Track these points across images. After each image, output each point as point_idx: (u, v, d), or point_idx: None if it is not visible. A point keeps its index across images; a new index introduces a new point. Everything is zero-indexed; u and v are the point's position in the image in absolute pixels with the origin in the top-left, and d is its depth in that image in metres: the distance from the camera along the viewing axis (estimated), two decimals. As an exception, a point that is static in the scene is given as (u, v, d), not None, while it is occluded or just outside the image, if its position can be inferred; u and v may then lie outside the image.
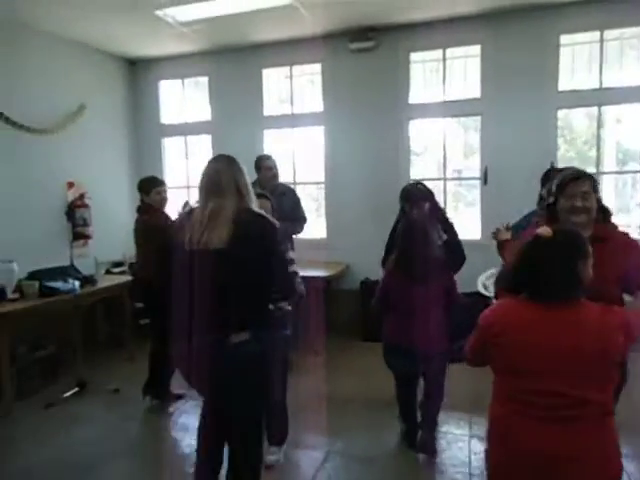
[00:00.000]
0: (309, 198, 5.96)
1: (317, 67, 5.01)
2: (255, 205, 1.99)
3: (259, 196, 2.45)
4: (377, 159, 4.78)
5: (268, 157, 4.01)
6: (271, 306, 2.22)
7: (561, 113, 4.43)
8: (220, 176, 1.92)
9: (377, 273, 3.74)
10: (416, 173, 4.86)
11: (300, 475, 2.63)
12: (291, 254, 2.65)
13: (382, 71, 4.69)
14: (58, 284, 3.67)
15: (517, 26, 4.29)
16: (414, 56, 4.69)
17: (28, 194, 4.27)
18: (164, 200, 3.45)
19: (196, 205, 1.97)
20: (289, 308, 2.71)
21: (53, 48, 4.55)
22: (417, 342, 2.51)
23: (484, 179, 4.51)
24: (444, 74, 4.61)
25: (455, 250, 2.83)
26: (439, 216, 2.94)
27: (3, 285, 3.47)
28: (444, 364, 2.71)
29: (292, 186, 4.61)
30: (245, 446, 2.02)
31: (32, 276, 3.70)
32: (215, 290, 1.84)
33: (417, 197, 2.91)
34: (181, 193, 5.57)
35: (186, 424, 3.19)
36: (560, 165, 4.15)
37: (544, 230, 1.50)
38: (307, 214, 4.18)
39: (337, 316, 4.80)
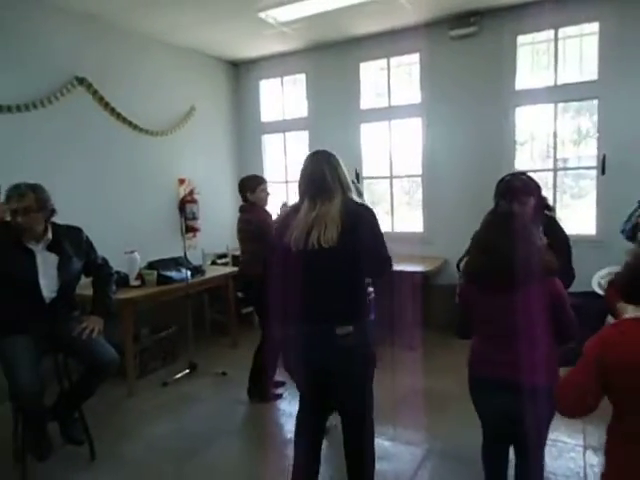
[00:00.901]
0: (401, 191, 5.88)
1: (414, 58, 4.90)
2: (354, 194, 2.02)
3: None
4: (478, 150, 4.57)
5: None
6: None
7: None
8: (324, 175, 1.95)
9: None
10: (520, 164, 4.59)
11: (400, 471, 2.61)
12: None
13: (485, 57, 4.47)
14: (172, 273, 4.00)
15: (645, -3, 3.85)
16: (521, 39, 4.40)
17: (147, 190, 4.71)
18: (267, 197, 3.56)
19: (299, 203, 2.01)
20: (373, 295, 2.75)
21: (167, 55, 4.93)
22: (510, 373, 1.79)
23: (602, 169, 4.13)
24: (555, 56, 4.26)
25: (563, 263, 2.12)
26: (546, 216, 2.47)
27: (127, 273, 3.86)
28: (549, 407, 1.74)
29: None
30: (358, 438, 2.08)
31: (150, 266, 4.06)
32: (321, 286, 1.92)
33: (519, 190, 2.42)
34: (280, 188, 5.79)
35: (288, 411, 3.33)
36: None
37: None
38: (399, 207, 4.17)
39: (434, 312, 4.70)
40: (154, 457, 2.80)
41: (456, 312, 4.52)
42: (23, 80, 3.67)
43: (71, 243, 2.67)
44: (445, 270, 4.76)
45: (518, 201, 2.38)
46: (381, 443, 2.81)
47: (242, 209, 3.56)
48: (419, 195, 5.12)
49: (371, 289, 2.72)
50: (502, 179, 2.57)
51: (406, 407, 3.25)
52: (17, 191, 2.43)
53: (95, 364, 2.57)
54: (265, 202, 3.55)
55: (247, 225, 3.46)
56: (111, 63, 4.34)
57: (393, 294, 4.07)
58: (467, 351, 2.03)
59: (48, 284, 2.57)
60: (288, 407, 3.38)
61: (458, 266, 2.50)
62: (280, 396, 3.54)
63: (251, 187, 3.50)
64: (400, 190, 5.78)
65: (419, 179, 5.06)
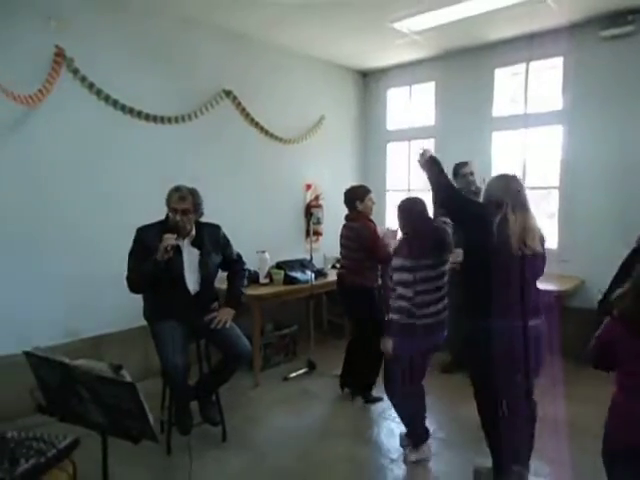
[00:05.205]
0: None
1: (555, 62, 4.57)
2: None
3: None
4: (631, 161, 4.11)
5: (467, 163, 4.05)
6: None
7: None
8: (525, 192, 2.43)
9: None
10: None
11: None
12: None
13: (644, 58, 4.02)
14: (298, 274, 4.21)
15: None
16: (691, 36, 3.88)
17: (278, 194, 5.02)
18: (373, 206, 3.60)
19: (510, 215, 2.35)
20: None
21: (301, 67, 5.20)
22: None
23: None
24: None
25: None
26: None
27: (257, 271, 4.14)
28: None
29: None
30: None
31: (278, 266, 4.31)
32: (524, 285, 2.35)
33: None
34: (402, 196, 5.76)
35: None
36: None
37: None
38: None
39: (566, 337, 4.31)
40: (274, 446, 2.97)
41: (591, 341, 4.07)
42: (182, 95, 4.15)
43: (210, 239, 2.93)
44: (581, 292, 4.35)
45: None
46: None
47: (349, 218, 3.57)
48: (545, 208, 4.79)
49: None
50: None
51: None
52: (179, 193, 2.75)
53: (231, 353, 2.81)
54: (371, 211, 3.57)
55: (354, 233, 3.46)
56: (252, 76, 4.70)
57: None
58: (601, 383, 1.78)
59: (192, 277, 2.85)
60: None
61: (604, 300, 2.22)
62: (380, 399, 3.54)
63: (361, 197, 3.52)
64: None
65: (548, 191, 4.76)
